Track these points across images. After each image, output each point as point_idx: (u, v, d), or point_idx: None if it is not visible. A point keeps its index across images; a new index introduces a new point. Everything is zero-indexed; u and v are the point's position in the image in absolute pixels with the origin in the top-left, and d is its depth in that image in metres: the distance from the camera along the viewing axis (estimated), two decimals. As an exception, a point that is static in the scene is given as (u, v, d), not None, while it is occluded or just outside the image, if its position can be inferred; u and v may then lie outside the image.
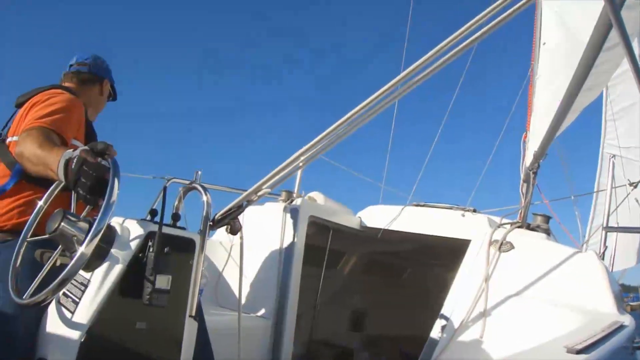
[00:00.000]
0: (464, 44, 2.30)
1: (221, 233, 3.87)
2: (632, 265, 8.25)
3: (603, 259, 5.02)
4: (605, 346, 2.15)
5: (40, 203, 2.30)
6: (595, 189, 7.98)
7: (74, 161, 2.08)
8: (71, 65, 3.06)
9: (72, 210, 2.15)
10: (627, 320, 2.88)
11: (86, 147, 2.14)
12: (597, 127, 7.86)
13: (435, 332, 3.36)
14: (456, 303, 3.42)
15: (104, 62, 3.18)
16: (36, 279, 2.03)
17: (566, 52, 3.95)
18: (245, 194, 2.54)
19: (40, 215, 2.29)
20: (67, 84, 2.98)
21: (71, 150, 2.15)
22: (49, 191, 2.31)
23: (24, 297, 1.99)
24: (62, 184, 2.21)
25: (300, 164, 2.51)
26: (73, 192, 2.15)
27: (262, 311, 3.65)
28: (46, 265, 2.08)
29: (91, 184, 2.04)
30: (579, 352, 1.88)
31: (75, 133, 2.62)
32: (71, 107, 2.63)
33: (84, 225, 2.03)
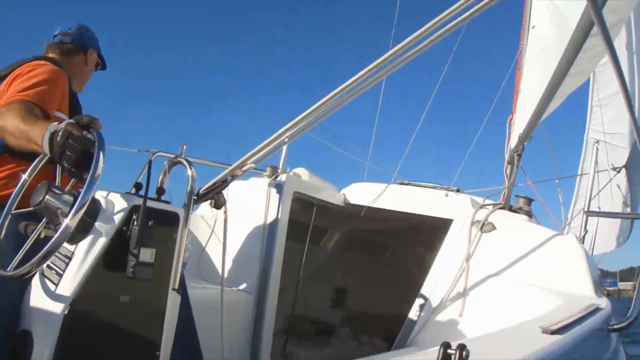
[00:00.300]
0: (454, 22, 2.30)
1: (206, 207, 3.88)
2: (611, 249, 8.34)
3: (583, 242, 5.08)
4: (580, 327, 2.18)
5: (24, 176, 2.29)
6: (579, 173, 8.03)
7: (59, 134, 2.07)
8: (55, 36, 3.02)
9: (56, 184, 2.15)
10: (604, 303, 2.93)
11: (71, 120, 2.13)
12: (585, 113, 7.90)
13: (414, 311, 3.40)
14: (436, 282, 3.46)
15: (88, 31, 3.12)
16: (20, 251, 2.03)
17: (555, 36, 3.97)
18: (229, 168, 2.54)
19: (24, 188, 2.28)
20: (50, 55, 2.93)
21: (56, 123, 2.14)
22: (33, 164, 2.30)
23: (8, 269, 2.00)
24: (47, 157, 2.21)
25: (286, 140, 2.52)
26: (58, 165, 2.14)
27: (245, 285, 3.67)
28: (30, 238, 2.08)
29: (76, 157, 2.03)
30: (553, 332, 1.91)
31: (58, 105, 2.59)
32: (54, 78, 2.60)
33: (68, 198, 2.03)
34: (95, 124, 2.13)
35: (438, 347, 1.30)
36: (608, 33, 2.56)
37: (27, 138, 2.20)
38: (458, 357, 1.26)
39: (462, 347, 1.26)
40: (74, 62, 3.01)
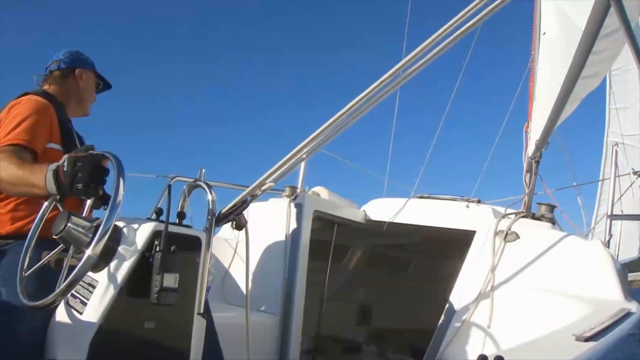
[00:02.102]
0: (465, 27, 2.30)
1: (226, 230, 3.88)
2: (635, 254, 8.26)
3: (608, 247, 5.02)
4: (614, 333, 2.16)
5: (45, 204, 2.29)
6: (600, 178, 7.98)
7: (65, 164, 2.09)
8: (46, 68, 3.02)
9: (83, 214, 2.17)
10: (634, 307, 2.89)
11: (71, 153, 2.14)
12: (603, 117, 7.87)
13: (442, 324, 3.37)
14: (463, 294, 3.43)
15: (76, 53, 3.09)
16: (59, 280, 2.04)
17: (566, 41, 3.97)
18: (249, 188, 2.54)
19: (45, 217, 2.28)
20: (45, 87, 2.93)
21: (54, 164, 2.15)
22: (52, 196, 2.31)
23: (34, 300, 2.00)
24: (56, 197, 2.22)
25: (304, 156, 2.51)
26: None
27: (269, 306, 3.67)
28: (63, 270, 2.09)
29: (89, 174, 2.05)
30: (587, 339, 1.89)
31: (48, 137, 2.57)
32: (34, 112, 2.55)
33: (90, 226, 2.04)
34: (93, 149, 2.14)
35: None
36: (625, 13, 2.54)
37: (28, 184, 2.20)
38: None
39: (499, 359, 1.25)
40: (67, 87, 2.98)
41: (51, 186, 2.13)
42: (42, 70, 3.02)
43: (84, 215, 2.15)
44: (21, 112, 2.52)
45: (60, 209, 2.17)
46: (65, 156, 2.12)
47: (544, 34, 4.59)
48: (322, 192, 4.43)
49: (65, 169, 2.08)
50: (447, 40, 2.33)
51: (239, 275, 3.85)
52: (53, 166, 2.14)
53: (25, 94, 2.74)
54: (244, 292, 3.02)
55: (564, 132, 6.99)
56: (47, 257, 2.12)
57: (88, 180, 2.06)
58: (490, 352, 1.91)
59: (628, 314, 2.64)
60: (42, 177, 2.15)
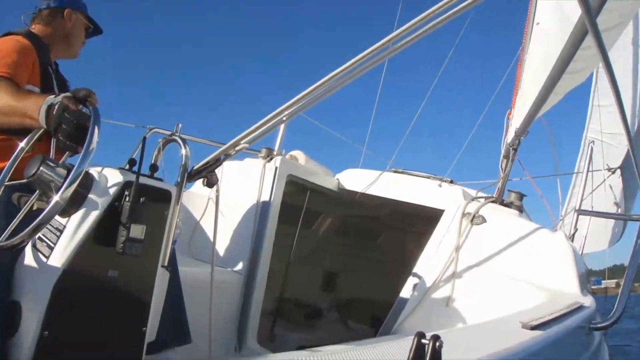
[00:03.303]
0: (458, 7, 2.30)
1: (201, 186, 3.90)
2: (602, 249, 8.40)
3: (573, 240, 5.11)
4: (562, 325, 2.20)
5: (21, 144, 2.29)
6: (575, 171, 8.07)
7: (56, 107, 2.08)
8: (37, 7, 2.96)
9: (50, 157, 2.16)
10: (588, 301, 2.95)
11: (68, 94, 2.13)
12: (585, 111, 7.93)
13: (401, 298, 3.43)
14: (425, 271, 3.49)
15: None
16: (13, 222, 2.04)
17: (558, 34, 3.97)
18: (224, 147, 2.54)
19: (18, 159, 2.28)
20: (33, 27, 2.89)
21: (52, 96, 2.14)
22: (29, 135, 2.30)
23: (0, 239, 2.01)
24: (43, 130, 2.21)
25: (284, 119, 2.51)
26: (53, 139, 2.15)
27: (235, 265, 3.70)
28: (23, 209, 2.09)
29: (71, 131, 2.05)
30: (533, 328, 1.93)
31: (27, 78, 2.54)
32: (15, 52, 2.52)
33: (62, 171, 2.04)
34: (91, 99, 2.13)
35: (412, 337, 1.32)
36: (601, 39, 2.57)
37: (22, 114, 2.19)
38: (431, 347, 1.27)
39: (436, 338, 1.28)
40: (55, 28, 2.93)
41: (42, 119, 2.12)
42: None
43: (60, 162, 2.15)
44: (1, 50, 2.49)
45: (52, 151, 2.17)
46: (60, 97, 2.11)
47: (538, 24, 4.59)
48: (300, 156, 4.45)
49: (54, 112, 2.08)
50: (439, 18, 2.32)
51: (208, 232, 3.87)
52: (49, 101, 2.13)
53: (8, 33, 2.71)
54: (211, 248, 3.05)
55: (551, 122, 7.04)
56: (31, 200, 2.12)
57: (68, 135, 2.06)
58: (443, 329, 1.95)
59: (580, 307, 2.69)
60: (36, 109, 2.14)
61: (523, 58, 5.46)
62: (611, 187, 7.25)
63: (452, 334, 1.65)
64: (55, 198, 1.91)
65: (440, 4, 2.28)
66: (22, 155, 2.28)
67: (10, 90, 2.28)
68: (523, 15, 5.67)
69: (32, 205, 2.09)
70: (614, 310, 3.20)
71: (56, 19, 2.95)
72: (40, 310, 1.99)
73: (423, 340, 1.29)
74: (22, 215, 2.07)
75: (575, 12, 2.97)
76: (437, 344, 1.27)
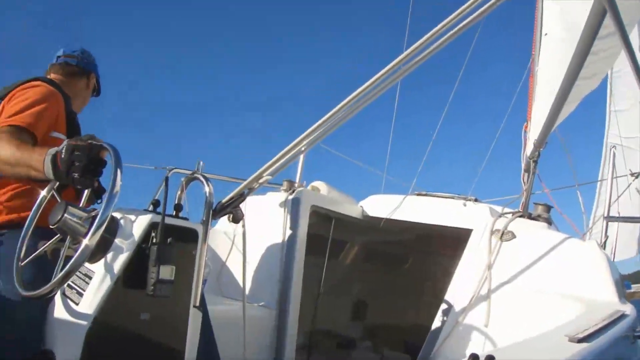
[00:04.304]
0: (464, 22, 2.30)
1: (224, 223, 3.89)
2: (633, 256, 8.28)
3: (604, 248, 5.03)
4: (607, 335, 2.16)
5: (43, 193, 2.30)
6: (598, 179, 8.00)
7: (63, 151, 2.09)
8: (59, 57, 3.04)
9: (80, 204, 2.17)
10: (628, 309, 2.89)
11: (71, 140, 2.15)
12: (603, 118, 7.89)
13: (438, 321, 3.38)
14: (458, 292, 3.44)
15: (91, 56, 3.16)
16: (56, 271, 2.04)
17: (567, 42, 3.96)
18: (246, 181, 2.54)
19: (41, 208, 2.28)
20: (52, 76, 2.95)
21: (55, 148, 2.16)
22: (50, 183, 2.31)
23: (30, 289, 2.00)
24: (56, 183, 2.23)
25: (302, 149, 2.51)
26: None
27: (266, 300, 3.67)
28: (59, 260, 2.09)
29: (85, 164, 2.06)
30: (580, 340, 1.89)
31: (52, 126, 2.57)
32: (45, 99, 2.57)
33: (87, 216, 2.05)
34: (94, 139, 2.15)
35: (466, 359, 1.28)
36: (622, 24, 2.55)
37: (26, 165, 2.20)
38: None
39: (491, 358, 1.25)
40: (77, 85, 3.04)
41: (48, 170, 2.13)
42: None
43: (80, 206, 2.16)
44: (31, 97, 2.53)
45: (58, 199, 2.17)
46: (65, 142, 2.12)
47: (546, 34, 4.58)
48: (322, 187, 4.44)
49: (63, 156, 2.09)
50: (447, 35, 2.33)
51: (236, 269, 3.85)
52: (52, 151, 2.14)
53: (36, 79, 2.75)
54: (241, 285, 3.03)
55: (566, 132, 6.99)
56: (44, 246, 2.13)
57: (84, 170, 2.07)
58: (484, 350, 1.92)
59: (622, 316, 2.64)
60: (40, 160, 2.16)
61: (534, 70, 5.45)
62: (638, 191, 7.15)
63: (503, 353, 1.62)
64: (84, 243, 1.91)
65: (447, 20, 2.29)
66: (44, 204, 2.28)
67: (15, 141, 2.28)
68: (530, 27, 5.67)
69: (59, 251, 2.10)
70: None
71: (81, 79, 3.08)
72: (75, 358, 1.98)
73: None
74: (60, 265, 2.07)
75: (583, 18, 2.96)
76: None
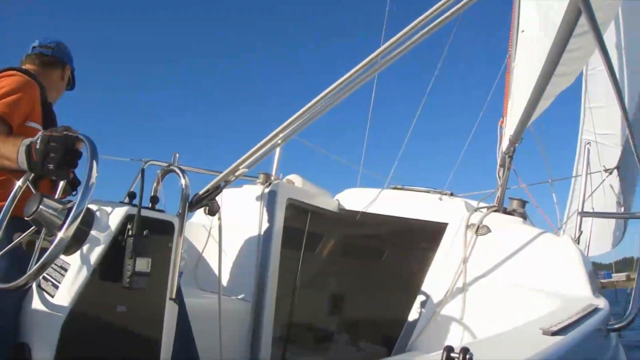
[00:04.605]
0: (442, 17, 2.32)
1: (200, 216, 3.88)
2: (607, 250, 8.39)
3: (578, 243, 5.10)
4: (581, 328, 2.19)
5: (18, 183, 2.27)
6: (573, 175, 8.08)
7: (38, 141, 2.08)
8: (34, 47, 3.01)
9: (55, 196, 2.15)
10: (602, 303, 2.93)
11: (46, 131, 2.15)
12: (578, 115, 7.97)
13: (413, 314, 3.40)
14: (434, 285, 3.46)
15: (67, 48, 3.13)
16: (31, 262, 2.02)
17: (544, 40, 3.98)
18: (222, 174, 2.53)
19: (17, 199, 2.26)
20: (27, 66, 2.92)
21: (29, 138, 2.15)
22: (26, 174, 2.29)
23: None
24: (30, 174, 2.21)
25: (279, 142, 2.51)
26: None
27: (242, 293, 3.67)
28: (35, 251, 2.07)
29: (61, 155, 2.06)
30: (554, 333, 1.92)
31: (28, 115, 2.55)
32: (20, 88, 2.55)
33: (62, 208, 2.03)
34: (70, 131, 2.14)
35: (441, 351, 1.29)
36: (597, 24, 2.59)
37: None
38: None
39: (465, 351, 1.26)
40: (51, 76, 3.01)
41: (22, 160, 2.13)
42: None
43: (56, 197, 2.14)
44: (6, 86, 2.50)
45: (33, 190, 2.15)
46: (40, 133, 2.12)
47: (522, 31, 4.61)
48: (297, 180, 4.44)
49: (38, 147, 2.08)
50: (424, 30, 2.34)
51: (212, 261, 3.84)
52: (27, 141, 2.13)
53: (10, 69, 2.72)
54: (217, 278, 3.02)
55: (541, 128, 7.07)
56: (19, 238, 2.10)
57: (59, 161, 2.06)
58: (459, 343, 1.94)
59: (595, 310, 2.68)
60: (14, 150, 2.15)
61: (511, 66, 5.49)
62: (611, 187, 7.25)
63: (477, 346, 1.64)
64: (59, 235, 1.89)
65: (424, 15, 2.30)
66: (20, 194, 2.26)
67: None
68: (508, 23, 5.70)
69: (34, 243, 2.08)
70: (628, 310, 3.18)
71: (56, 70, 3.05)
72: (51, 350, 1.97)
73: (452, 354, 1.27)
74: (36, 257, 2.05)
75: (559, 16, 2.99)
76: (467, 356, 1.25)
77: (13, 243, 2.10)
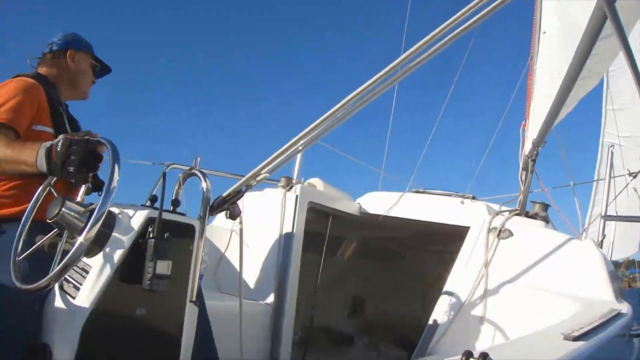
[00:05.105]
0: (464, 25, 2.31)
1: (222, 219, 3.90)
2: (632, 253, 8.29)
3: (601, 247, 5.05)
4: (603, 334, 2.16)
5: (40, 188, 2.29)
6: (595, 178, 8.00)
7: (59, 144, 2.10)
8: (43, 52, 2.96)
9: (77, 199, 2.17)
10: (625, 308, 2.90)
11: (67, 134, 2.16)
12: (599, 117, 7.89)
13: (434, 318, 3.39)
14: (455, 289, 3.45)
15: (70, 35, 3.01)
16: (53, 264, 2.03)
17: (566, 41, 3.96)
18: (244, 178, 2.54)
19: (39, 202, 2.28)
20: (39, 70, 2.88)
21: (49, 142, 2.16)
22: (46, 180, 2.30)
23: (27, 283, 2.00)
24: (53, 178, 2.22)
25: (300, 148, 2.51)
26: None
27: (262, 296, 3.68)
28: (57, 254, 2.09)
29: (82, 157, 2.07)
30: (575, 339, 1.89)
31: (35, 119, 2.52)
32: (19, 93, 2.51)
33: (84, 211, 2.05)
34: (90, 135, 2.15)
35: (460, 356, 1.29)
36: (622, 27, 2.56)
37: (16, 161, 2.21)
38: None
39: (484, 356, 1.25)
40: (59, 69, 2.92)
41: (41, 164, 2.14)
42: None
43: (77, 200, 2.16)
44: (6, 93, 2.49)
45: (55, 194, 2.17)
46: (61, 136, 2.13)
47: (544, 33, 4.58)
48: (318, 183, 4.44)
49: (58, 149, 2.10)
50: (445, 38, 2.34)
51: (233, 264, 3.86)
52: (47, 144, 2.15)
53: (17, 75, 2.70)
54: (238, 281, 3.03)
55: (562, 131, 7.00)
56: (42, 240, 2.13)
57: (80, 164, 2.08)
58: (480, 347, 1.92)
59: (618, 315, 2.65)
60: (32, 154, 2.16)
61: (533, 68, 5.45)
62: (635, 190, 7.15)
63: (498, 350, 1.62)
64: (80, 239, 1.90)
65: (446, 24, 2.30)
66: (42, 198, 2.27)
67: (4, 139, 2.29)
68: (529, 25, 5.66)
69: (55, 246, 2.10)
70: None
71: (60, 61, 2.93)
72: (71, 351, 1.98)
73: (472, 359, 1.26)
74: (58, 259, 2.07)
75: (582, 17, 2.97)
76: None
77: (36, 245, 2.12)
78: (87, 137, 2.12)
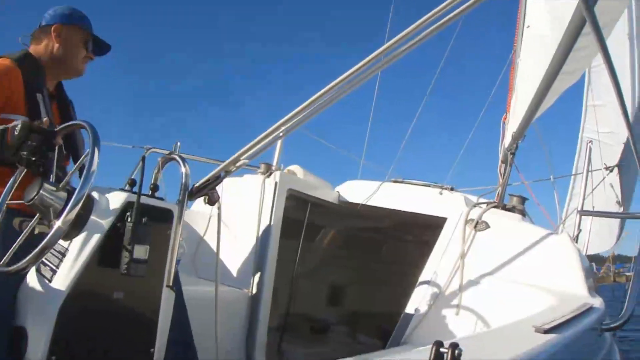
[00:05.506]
0: (449, 16, 2.32)
1: (201, 204, 3.89)
2: (606, 249, 8.38)
3: (577, 241, 5.10)
4: (574, 327, 2.19)
5: (17, 171, 2.27)
6: (573, 172, 8.07)
7: (17, 128, 2.06)
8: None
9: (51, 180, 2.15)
10: (597, 302, 2.94)
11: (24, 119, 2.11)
12: (580, 112, 7.95)
13: (409, 308, 3.41)
14: (431, 280, 3.47)
15: (61, 8, 2.84)
16: (13, 246, 2.02)
17: (550, 36, 3.99)
18: (223, 164, 2.54)
19: (16, 184, 2.25)
20: (30, 49, 2.76)
21: (5, 125, 2.11)
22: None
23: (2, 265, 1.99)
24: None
25: (281, 134, 2.51)
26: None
27: (239, 282, 3.67)
28: (23, 233, 2.07)
29: (37, 145, 2.04)
30: (546, 331, 1.92)
31: (5, 107, 2.42)
32: None
33: (62, 194, 2.04)
34: (44, 123, 2.13)
35: (430, 346, 1.30)
36: (600, 30, 2.59)
37: None
38: (450, 356, 1.25)
39: (454, 346, 1.26)
40: (47, 48, 2.77)
41: None
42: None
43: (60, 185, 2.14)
44: None
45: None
46: (21, 120, 2.09)
47: (528, 27, 4.61)
48: (298, 170, 4.43)
49: (16, 133, 2.06)
50: (430, 28, 2.34)
51: (211, 250, 3.85)
52: (1, 127, 2.09)
53: (2, 56, 2.62)
54: (215, 266, 3.03)
55: (543, 126, 7.05)
56: (32, 224, 2.10)
57: (34, 151, 2.05)
58: (453, 338, 1.94)
59: (590, 309, 2.68)
60: None
61: (515, 62, 5.48)
62: (612, 186, 7.24)
63: (468, 341, 1.64)
64: (58, 222, 1.90)
65: (429, 14, 2.30)
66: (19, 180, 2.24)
67: None
68: (513, 18, 5.69)
69: (34, 229, 2.08)
70: (623, 310, 3.18)
71: (46, 37, 2.78)
72: (47, 334, 1.98)
73: (442, 349, 1.27)
74: (23, 239, 2.05)
75: (566, 12, 2.99)
76: (456, 352, 1.25)
77: (28, 229, 2.09)
78: (48, 129, 2.08)
